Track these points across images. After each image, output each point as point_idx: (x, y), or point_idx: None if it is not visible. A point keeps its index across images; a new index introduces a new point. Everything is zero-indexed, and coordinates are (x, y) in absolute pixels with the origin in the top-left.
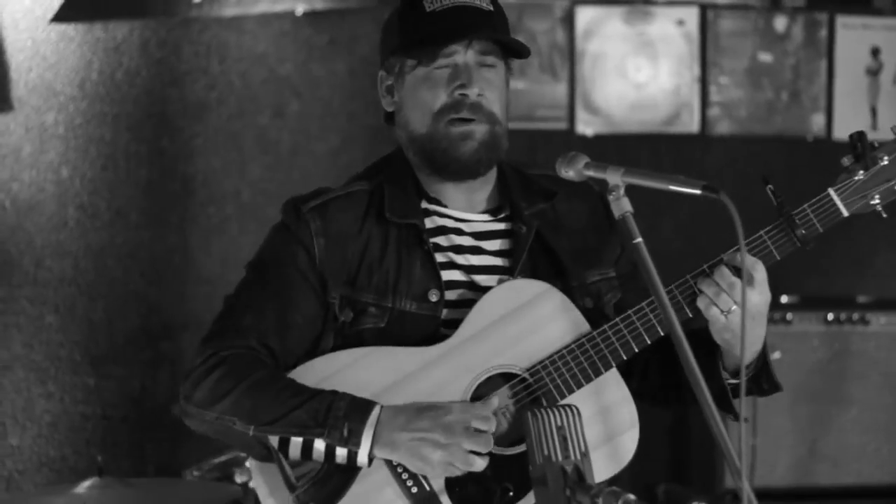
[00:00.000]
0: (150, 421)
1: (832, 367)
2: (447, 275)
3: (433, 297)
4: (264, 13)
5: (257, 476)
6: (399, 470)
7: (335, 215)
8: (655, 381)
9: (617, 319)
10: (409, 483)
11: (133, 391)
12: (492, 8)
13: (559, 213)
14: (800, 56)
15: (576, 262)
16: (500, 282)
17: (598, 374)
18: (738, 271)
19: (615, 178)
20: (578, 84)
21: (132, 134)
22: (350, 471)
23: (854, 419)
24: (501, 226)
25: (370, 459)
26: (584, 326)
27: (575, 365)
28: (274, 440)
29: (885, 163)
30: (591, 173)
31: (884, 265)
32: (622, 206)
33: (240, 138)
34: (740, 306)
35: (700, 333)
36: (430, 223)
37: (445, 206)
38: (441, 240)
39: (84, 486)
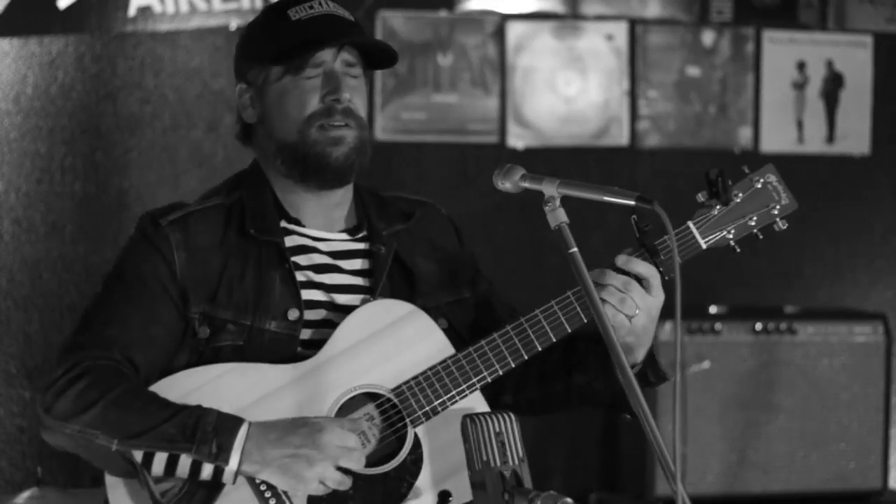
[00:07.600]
0: None
1: (761, 376)
2: (307, 294)
3: (292, 317)
4: (198, 28)
5: (112, 492)
6: (262, 488)
7: (195, 229)
8: (530, 393)
9: (482, 342)
10: (273, 502)
11: None
12: (353, 19)
13: (415, 235)
14: (727, 70)
15: (431, 284)
16: (363, 301)
17: (462, 396)
18: (632, 274)
19: (551, 189)
20: (509, 98)
21: (67, 148)
22: (214, 488)
23: (782, 427)
24: (360, 245)
25: (235, 476)
26: (449, 349)
27: (440, 387)
28: (138, 455)
29: (739, 200)
30: (527, 185)
31: (810, 276)
32: (558, 216)
33: (174, 152)
34: (642, 310)
35: (586, 338)
36: (289, 241)
37: (304, 226)
38: (301, 258)
39: (24, 497)
